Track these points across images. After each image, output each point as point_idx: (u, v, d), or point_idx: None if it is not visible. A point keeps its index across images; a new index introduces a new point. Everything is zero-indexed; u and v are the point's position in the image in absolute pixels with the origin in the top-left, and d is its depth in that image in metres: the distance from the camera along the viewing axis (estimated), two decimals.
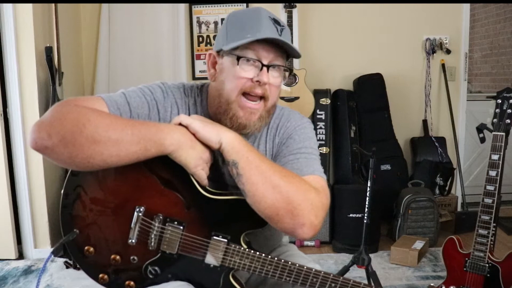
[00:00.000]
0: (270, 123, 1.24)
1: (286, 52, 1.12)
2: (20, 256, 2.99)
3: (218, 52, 1.14)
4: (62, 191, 1.09)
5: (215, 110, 1.16)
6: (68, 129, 0.96)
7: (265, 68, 1.09)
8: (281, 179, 1.03)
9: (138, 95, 1.13)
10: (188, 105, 1.19)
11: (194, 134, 1.05)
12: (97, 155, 0.97)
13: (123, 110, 1.09)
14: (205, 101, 1.20)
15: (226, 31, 1.12)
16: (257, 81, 1.09)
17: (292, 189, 1.03)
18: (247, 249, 1.07)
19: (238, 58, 1.08)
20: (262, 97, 1.12)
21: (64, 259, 2.82)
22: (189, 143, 1.04)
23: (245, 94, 1.11)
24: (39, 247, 3.00)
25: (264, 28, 1.07)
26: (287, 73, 1.16)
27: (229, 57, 1.10)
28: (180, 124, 1.06)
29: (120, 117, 1.06)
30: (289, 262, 1.06)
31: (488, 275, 1.84)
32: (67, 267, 2.77)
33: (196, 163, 1.05)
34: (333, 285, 1.06)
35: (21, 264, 2.88)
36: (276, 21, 1.10)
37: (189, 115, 1.17)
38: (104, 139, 0.97)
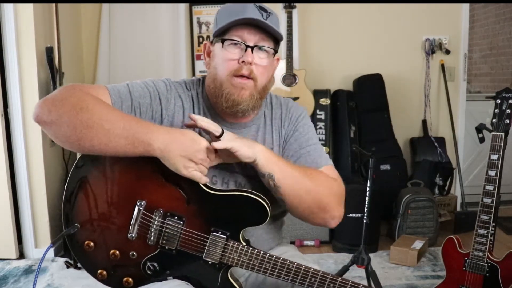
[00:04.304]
0: (273, 113, 1.29)
1: (274, 36, 1.18)
2: (21, 255, 2.99)
3: (212, 42, 1.21)
4: (65, 185, 1.11)
5: (212, 96, 1.21)
6: (66, 110, 1.01)
7: (249, 49, 1.14)
8: (311, 182, 1.14)
9: (141, 86, 1.18)
10: (192, 98, 1.24)
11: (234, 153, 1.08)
12: (87, 140, 1.01)
13: (124, 98, 1.13)
14: (205, 92, 1.25)
15: (216, 21, 1.19)
16: (243, 61, 1.14)
17: (321, 189, 1.15)
18: (245, 246, 1.08)
19: (223, 41, 1.15)
20: (251, 78, 1.16)
21: (64, 259, 2.83)
22: (178, 147, 1.05)
23: (235, 76, 1.16)
24: (40, 246, 3.00)
25: (247, 13, 1.13)
26: (274, 55, 1.21)
27: (218, 43, 1.17)
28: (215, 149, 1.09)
29: (118, 111, 1.09)
30: (288, 261, 1.07)
31: (487, 274, 1.84)
32: (67, 267, 2.77)
33: (186, 165, 1.05)
34: (331, 285, 1.07)
35: (22, 263, 2.88)
36: (262, 8, 1.16)
37: (192, 106, 1.23)
38: (96, 126, 1.01)
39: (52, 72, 2.89)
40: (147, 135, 1.03)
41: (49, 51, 2.85)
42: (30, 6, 2.80)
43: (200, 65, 3.63)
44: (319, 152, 1.26)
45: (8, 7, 2.78)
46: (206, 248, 1.08)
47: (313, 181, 1.14)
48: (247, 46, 1.14)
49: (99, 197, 1.10)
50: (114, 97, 1.12)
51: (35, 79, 2.86)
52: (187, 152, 1.05)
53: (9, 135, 2.90)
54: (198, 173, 1.07)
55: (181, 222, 1.09)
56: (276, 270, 1.08)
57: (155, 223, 1.09)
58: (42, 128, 1.06)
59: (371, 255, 2.40)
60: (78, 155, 1.13)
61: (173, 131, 1.08)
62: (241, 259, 1.08)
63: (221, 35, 1.16)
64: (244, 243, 1.09)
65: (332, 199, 1.17)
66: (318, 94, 3.45)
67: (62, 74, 2.99)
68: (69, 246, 1.13)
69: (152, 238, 1.09)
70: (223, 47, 1.15)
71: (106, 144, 1.02)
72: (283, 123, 1.29)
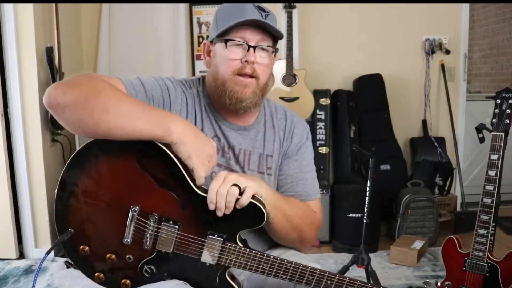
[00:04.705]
0: (277, 123, 1.32)
1: (273, 35, 1.21)
2: (21, 255, 2.99)
3: (211, 41, 1.24)
4: (56, 191, 1.10)
5: (214, 95, 1.24)
6: (84, 93, 1.00)
7: (251, 49, 1.17)
8: (299, 220, 1.21)
9: (151, 80, 1.21)
10: (193, 95, 1.26)
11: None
12: (104, 123, 1.00)
13: (138, 90, 1.15)
14: (206, 91, 1.28)
15: (216, 21, 1.21)
16: (246, 61, 1.17)
17: (305, 225, 1.23)
18: (242, 248, 1.08)
19: (226, 41, 1.18)
20: (254, 76, 1.19)
21: (64, 259, 2.83)
22: (193, 134, 1.08)
23: (238, 74, 1.18)
24: (40, 246, 3.00)
25: (248, 13, 1.15)
26: (274, 54, 1.24)
27: (220, 43, 1.19)
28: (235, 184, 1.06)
29: (135, 98, 1.11)
30: (285, 260, 1.08)
31: (487, 274, 1.84)
32: (67, 267, 2.77)
33: (199, 155, 1.06)
34: (329, 282, 1.07)
35: (22, 263, 2.88)
36: (260, 8, 1.18)
37: (194, 103, 1.25)
38: (114, 109, 1.01)
39: (52, 72, 2.89)
40: (166, 119, 1.05)
41: (49, 51, 2.86)
42: (30, 6, 2.80)
43: (200, 65, 3.62)
44: (314, 182, 1.34)
45: (8, 7, 2.78)
46: (203, 251, 1.08)
47: (301, 218, 1.22)
48: (249, 46, 1.17)
49: (91, 203, 1.09)
50: (129, 88, 1.14)
51: (35, 79, 2.85)
52: (200, 140, 1.08)
53: (9, 135, 2.90)
54: (202, 169, 1.07)
55: (177, 227, 1.08)
56: (274, 270, 1.08)
57: (150, 228, 1.08)
58: (53, 113, 1.02)
59: (371, 255, 2.41)
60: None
61: (188, 122, 1.12)
62: (239, 260, 1.08)
63: (223, 35, 1.18)
64: (241, 244, 1.09)
65: (311, 233, 1.27)
66: (318, 94, 3.45)
67: (62, 74, 2.99)
68: (65, 250, 1.12)
69: (147, 243, 1.08)
70: (226, 47, 1.17)
71: (123, 128, 1.01)
72: (286, 136, 1.32)
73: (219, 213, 1.04)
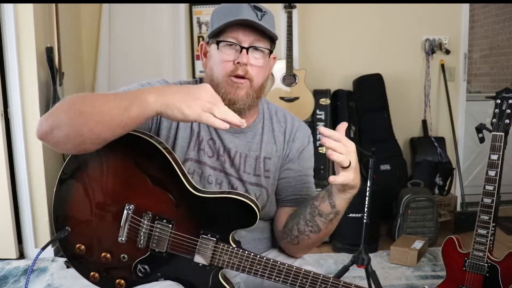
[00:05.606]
0: (276, 126, 1.30)
1: (269, 35, 1.17)
2: (21, 255, 2.99)
3: (208, 42, 1.22)
4: (54, 190, 1.11)
5: None
6: (61, 111, 0.99)
7: (244, 50, 1.14)
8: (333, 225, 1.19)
9: (137, 86, 1.18)
10: None
11: None
12: (84, 126, 0.97)
13: None
14: None
15: (212, 22, 1.19)
16: (238, 62, 1.14)
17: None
18: (235, 248, 1.08)
19: (218, 42, 1.15)
20: (247, 78, 1.16)
21: (64, 259, 2.83)
22: (174, 90, 1.00)
23: (231, 76, 1.16)
24: (40, 246, 3.00)
25: (242, 13, 1.12)
26: (270, 55, 1.21)
27: (213, 44, 1.17)
28: None
29: (109, 92, 1.07)
30: (278, 262, 1.07)
31: (488, 274, 1.84)
32: (67, 267, 2.77)
33: (192, 106, 0.97)
34: (323, 286, 1.06)
35: (22, 263, 2.88)
36: (257, 8, 1.15)
37: None
38: (89, 109, 0.97)
39: (52, 72, 2.89)
40: (139, 93, 0.99)
41: (49, 51, 2.86)
42: (30, 6, 2.80)
43: (200, 65, 3.62)
44: (313, 185, 1.33)
45: (8, 7, 2.78)
46: (196, 250, 1.08)
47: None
48: (242, 47, 1.14)
49: (88, 202, 1.10)
50: None
51: (35, 79, 2.85)
52: (186, 92, 0.99)
53: (9, 135, 2.90)
54: (208, 114, 0.97)
55: (170, 226, 1.08)
56: (267, 272, 1.07)
57: (144, 226, 1.08)
58: (47, 143, 1.02)
59: (371, 255, 2.40)
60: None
61: (166, 85, 1.12)
62: (231, 261, 1.08)
63: (216, 36, 1.16)
64: (234, 245, 1.08)
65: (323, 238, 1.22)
66: (318, 94, 3.45)
67: (62, 74, 2.99)
68: (61, 249, 1.13)
69: (141, 242, 1.09)
70: (218, 48, 1.15)
71: (101, 121, 0.96)
72: (287, 140, 1.30)
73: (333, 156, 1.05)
